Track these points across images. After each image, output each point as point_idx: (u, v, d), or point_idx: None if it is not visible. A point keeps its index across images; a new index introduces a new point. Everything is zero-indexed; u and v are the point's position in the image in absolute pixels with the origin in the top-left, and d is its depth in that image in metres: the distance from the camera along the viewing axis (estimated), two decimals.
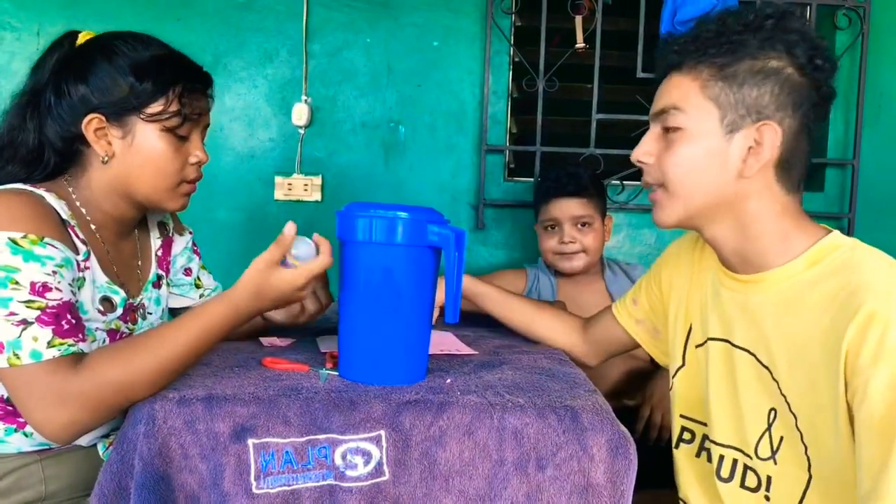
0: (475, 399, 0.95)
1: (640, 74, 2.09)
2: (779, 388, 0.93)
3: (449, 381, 1.04)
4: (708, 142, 0.93)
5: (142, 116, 1.04)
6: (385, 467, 0.92)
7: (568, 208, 1.79)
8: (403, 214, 0.98)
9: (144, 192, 1.08)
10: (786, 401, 0.92)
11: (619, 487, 0.91)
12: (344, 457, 0.92)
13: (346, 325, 1.03)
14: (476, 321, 1.56)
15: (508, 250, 2.17)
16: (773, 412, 0.94)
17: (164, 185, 1.09)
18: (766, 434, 0.95)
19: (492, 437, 0.93)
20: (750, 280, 0.97)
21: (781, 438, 0.93)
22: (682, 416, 1.12)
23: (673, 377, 1.14)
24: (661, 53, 1.00)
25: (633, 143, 2.20)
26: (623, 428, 0.94)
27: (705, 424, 1.07)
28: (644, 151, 1.00)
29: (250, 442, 0.90)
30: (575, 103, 2.22)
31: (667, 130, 0.97)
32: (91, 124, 1.04)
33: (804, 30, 0.92)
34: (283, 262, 1.00)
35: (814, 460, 0.90)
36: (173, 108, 1.05)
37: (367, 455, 0.92)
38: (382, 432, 0.92)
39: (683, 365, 1.12)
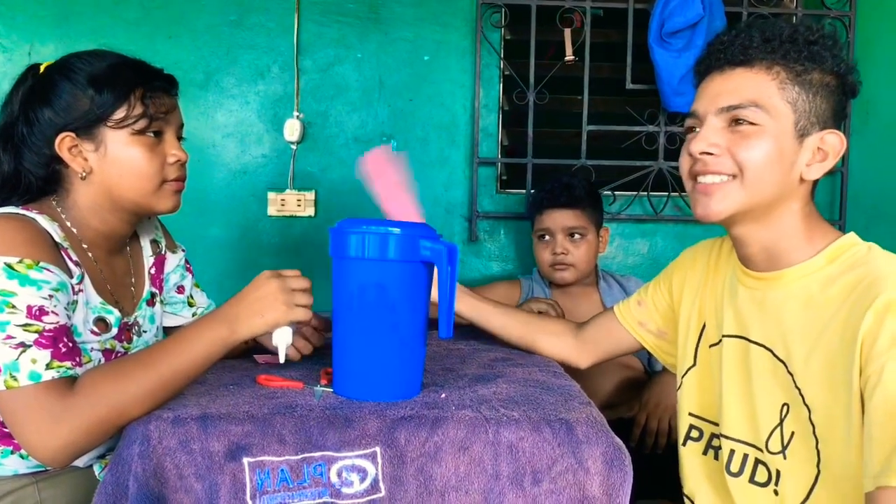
0: (470, 413, 0.96)
1: (629, 86, 2.11)
2: (794, 381, 0.95)
3: (443, 395, 1.04)
4: (783, 142, 0.96)
5: (109, 125, 1.06)
6: (381, 484, 0.92)
7: (561, 219, 1.80)
8: (395, 230, 0.99)
9: (130, 198, 1.09)
10: (800, 394, 0.94)
11: (616, 499, 0.92)
12: (339, 474, 0.91)
13: (340, 342, 1.04)
14: (470, 334, 1.56)
15: (502, 262, 2.18)
16: (785, 407, 0.96)
17: (147, 188, 1.09)
18: (778, 428, 0.97)
19: (487, 451, 0.93)
20: (770, 277, 1.01)
21: (793, 433, 0.95)
22: (690, 414, 1.15)
23: (682, 377, 1.16)
24: (722, 47, 1.00)
25: (624, 153, 2.22)
26: (618, 440, 0.95)
27: (716, 424, 1.09)
28: (712, 143, 0.99)
29: (245, 461, 0.90)
30: (565, 115, 2.23)
31: (737, 123, 0.97)
32: (63, 143, 1.05)
33: (843, 54, 0.99)
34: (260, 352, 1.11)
35: (824, 455, 0.91)
36: (137, 111, 1.06)
37: (362, 472, 0.92)
38: (378, 449, 0.92)
39: (695, 364, 1.14)
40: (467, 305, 1.39)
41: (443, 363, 1.25)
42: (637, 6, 2.08)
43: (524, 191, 2.14)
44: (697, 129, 1.02)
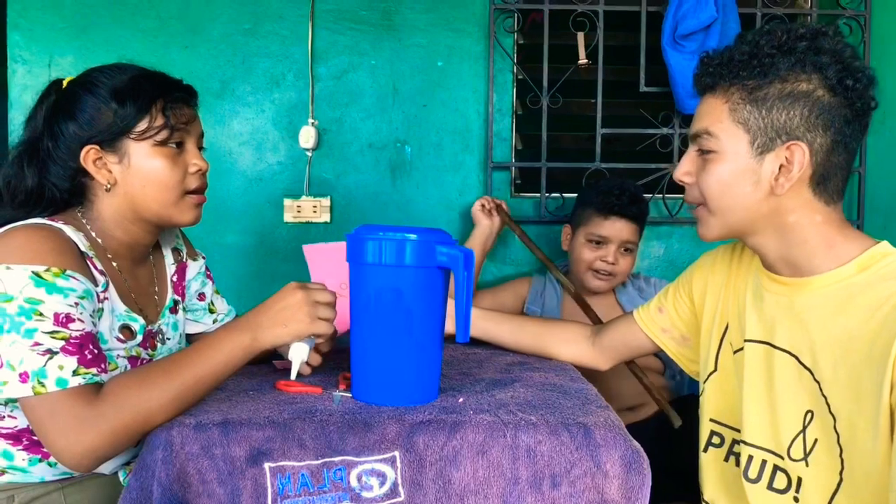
0: (488, 418, 0.96)
1: (642, 88, 2.10)
2: (820, 388, 0.94)
3: (461, 399, 1.05)
4: (739, 163, 0.96)
5: (132, 137, 1.08)
6: (400, 488, 0.93)
7: (624, 231, 1.77)
8: (412, 236, 1.00)
9: (152, 209, 1.11)
10: (826, 402, 0.93)
11: (634, 503, 0.92)
12: (359, 478, 0.92)
13: (358, 347, 1.05)
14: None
15: (517, 266, 2.18)
16: (809, 414, 0.95)
17: (169, 199, 1.11)
18: (801, 436, 0.96)
19: (505, 455, 0.93)
20: (796, 283, 0.99)
21: (816, 441, 0.94)
22: (712, 420, 1.14)
23: (704, 382, 1.15)
24: (698, 75, 1.02)
25: (638, 156, 2.22)
26: (636, 443, 0.95)
27: (737, 430, 1.08)
28: (684, 172, 1.03)
29: (266, 466, 0.91)
30: (579, 118, 2.23)
31: (702, 152, 1.00)
32: (88, 156, 1.07)
33: (837, 49, 0.93)
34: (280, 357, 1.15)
35: (847, 463, 0.90)
36: (159, 122, 1.08)
37: (382, 476, 0.93)
38: (397, 453, 0.93)
39: (715, 370, 1.14)
40: (473, 328, 1.39)
41: (460, 368, 1.26)
42: (650, 9, 2.08)
43: (538, 195, 2.14)
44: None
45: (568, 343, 1.36)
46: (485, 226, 1.93)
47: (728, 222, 1.00)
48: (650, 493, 0.93)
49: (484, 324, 1.41)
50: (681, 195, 2.13)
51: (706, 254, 1.23)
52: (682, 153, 2.11)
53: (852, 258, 0.95)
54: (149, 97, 1.08)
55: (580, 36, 2.10)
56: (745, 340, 1.06)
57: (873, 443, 0.86)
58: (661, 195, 2.14)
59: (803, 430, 0.96)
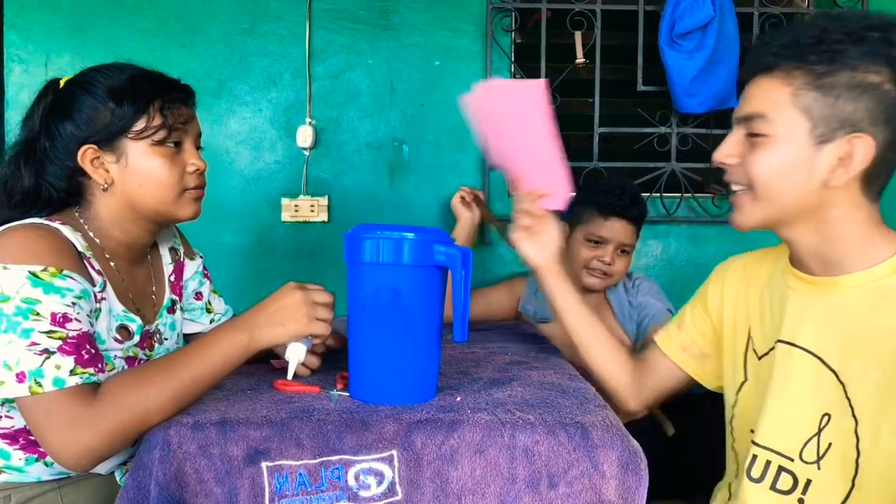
0: (486, 417, 0.96)
1: (640, 87, 2.11)
2: (844, 391, 0.91)
3: (459, 399, 1.05)
4: (794, 151, 0.92)
5: (129, 136, 1.07)
6: (398, 487, 0.93)
7: (622, 232, 1.76)
8: (410, 235, 1.00)
9: (151, 207, 1.11)
10: (850, 404, 0.90)
11: (631, 503, 0.92)
12: (357, 477, 0.92)
13: (356, 346, 1.04)
14: (485, 338, 1.56)
15: (515, 265, 2.18)
16: (826, 417, 0.93)
17: (168, 197, 1.11)
18: (815, 439, 0.94)
19: (503, 455, 0.93)
20: (825, 282, 0.96)
21: (830, 444, 0.92)
22: (752, 431, 1.03)
23: (737, 394, 1.10)
24: (755, 54, 0.96)
25: (637, 155, 2.21)
26: (634, 443, 0.95)
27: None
28: (726, 154, 0.98)
29: (264, 465, 0.91)
30: (577, 117, 2.23)
31: (752, 135, 0.95)
32: (86, 155, 1.07)
33: None
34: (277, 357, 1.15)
35: (863, 468, 0.89)
36: (156, 122, 1.08)
37: (379, 475, 0.93)
38: (394, 452, 0.93)
39: (746, 379, 1.09)
40: (560, 288, 1.27)
41: (458, 366, 1.26)
42: (647, 8, 2.09)
43: None
44: None
45: (612, 360, 1.26)
46: (466, 218, 1.93)
47: (772, 211, 0.95)
48: (648, 493, 0.93)
49: (567, 287, 1.27)
50: (677, 195, 2.14)
51: (718, 267, 1.19)
52: (679, 152, 2.13)
53: (886, 259, 0.92)
54: (146, 97, 1.08)
55: (578, 35, 2.11)
56: (777, 341, 1.01)
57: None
58: (658, 194, 2.14)
59: (818, 434, 0.93)
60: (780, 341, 1.01)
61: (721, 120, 2.14)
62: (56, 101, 1.10)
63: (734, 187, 0.99)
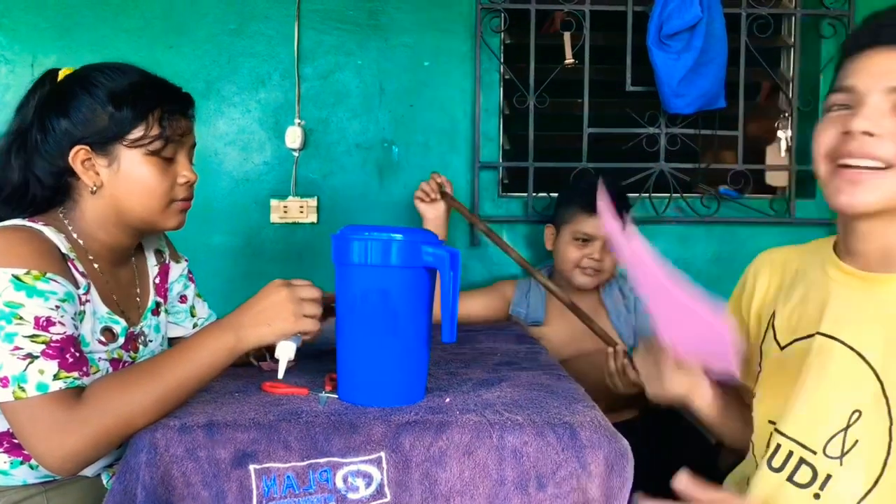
0: (474, 418, 0.96)
1: (629, 88, 2.11)
2: (882, 388, 0.90)
3: (448, 400, 1.04)
4: None
5: (125, 143, 1.06)
6: (386, 489, 0.92)
7: None
8: (398, 236, 1.00)
9: (137, 215, 1.09)
10: (887, 403, 0.89)
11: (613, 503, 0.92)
12: (345, 479, 0.92)
13: (344, 348, 1.04)
14: (475, 338, 1.56)
15: (504, 266, 2.18)
16: (856, 414, 0.91)
17: (156, 207, 1.10)
18: (842, 434, 0.92)
19: (492, 456, 0.93)
20: (878, 278, 0.94)
21: (856, 441, 0.91)
22: (779, 432, 1.00)
23: (755, 385, 1.08)
24: (887, 22, 0.91)
25: (626, 155, 2.21)
26: (623, 442, 0.95)
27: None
28: (876, 123, 0.89)
29: (252, 467, 0.91)
30: (566, 118, 2.24)
31: None
32: (77, 156, 1.05)
33: None
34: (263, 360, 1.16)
35: (890, 470, 0.87)
36: (154, 132, 1.07)
37: (368, 477, 0.92)
38: (383, 454, 0.93)
39: (760, 370, 1.08)
40: (708, 402, 1.12)
41: (447, 368, 1.26)
42: (636, 9, 2.09)
43: (525, 194, 2.14)
44: (850, 106, 0.91)
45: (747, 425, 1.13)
46: (430, 218, 1.89)
47: None
48: (643, 491, 0.93)
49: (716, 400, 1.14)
50: (666, 195, 2.14)
51: (755, 259, 1.16)
52: (668, 152, 2.13)
53: None
54: (147, 105, 1.06)
55: (566, 36, 2.11)
56: (817, 333, 0.98)
57: None
58: (647, 194, 2.14)
59: (846, 429, 0.92)
60: (819, 333, 0.98)
61: (708, 120, 2.15)
62: (53, 94, 1.08)
63: (867, 162, 0.90)
